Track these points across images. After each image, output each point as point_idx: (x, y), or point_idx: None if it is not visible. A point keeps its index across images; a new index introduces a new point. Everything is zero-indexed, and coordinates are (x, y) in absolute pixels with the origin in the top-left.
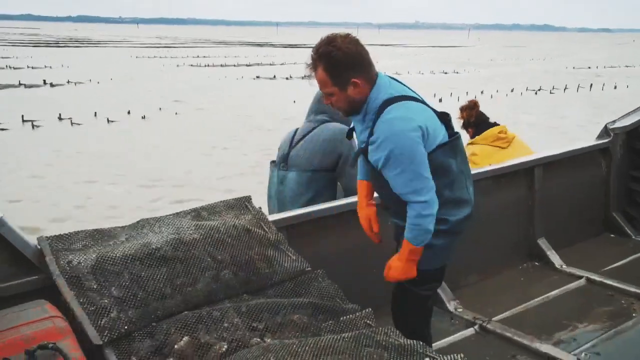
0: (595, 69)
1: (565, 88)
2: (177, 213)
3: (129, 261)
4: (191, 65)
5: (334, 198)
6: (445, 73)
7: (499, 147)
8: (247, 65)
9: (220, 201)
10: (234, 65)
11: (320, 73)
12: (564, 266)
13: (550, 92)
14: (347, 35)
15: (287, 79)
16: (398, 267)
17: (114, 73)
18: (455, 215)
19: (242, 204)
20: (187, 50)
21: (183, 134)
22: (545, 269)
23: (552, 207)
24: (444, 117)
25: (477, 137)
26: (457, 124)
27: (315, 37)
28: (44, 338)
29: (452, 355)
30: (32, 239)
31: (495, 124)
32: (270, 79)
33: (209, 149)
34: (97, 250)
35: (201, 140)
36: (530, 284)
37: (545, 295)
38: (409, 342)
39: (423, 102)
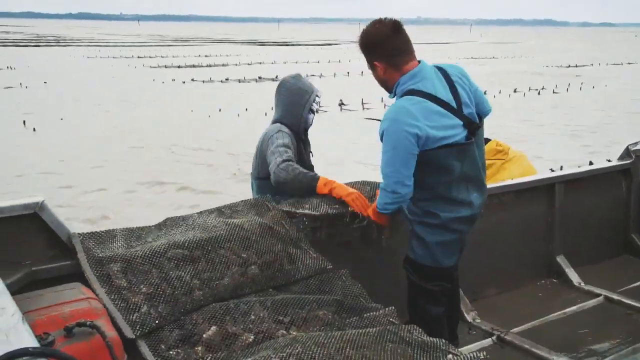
0: (597, 66)
1: (568, 87)
2: (201, 212)
3: (156, 259)
4: (193, 65)
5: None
6: None
7: (500, 159)
8: (248, 65)
9: (242, 200)
10: (235, 65)
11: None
12: (582, 284)
13: (554, 92)
14: (386, 21)
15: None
16: (370, 213)
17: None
18: (446, 212)
19: (263, 203)
20: (188, 48)
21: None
22: (563, 285)
23: (571, 225)
24: (470, 126)
25: None
26: None
27: (317, 33)
28: (81, 317)
29: (474, 353)
30: (69, 225)
31: (487, 140)
32: (273, 79)
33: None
34: (127, 250)
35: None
36: (548, 300)
37: (563, 311)
38: (432, 340)
39: (448, 105)
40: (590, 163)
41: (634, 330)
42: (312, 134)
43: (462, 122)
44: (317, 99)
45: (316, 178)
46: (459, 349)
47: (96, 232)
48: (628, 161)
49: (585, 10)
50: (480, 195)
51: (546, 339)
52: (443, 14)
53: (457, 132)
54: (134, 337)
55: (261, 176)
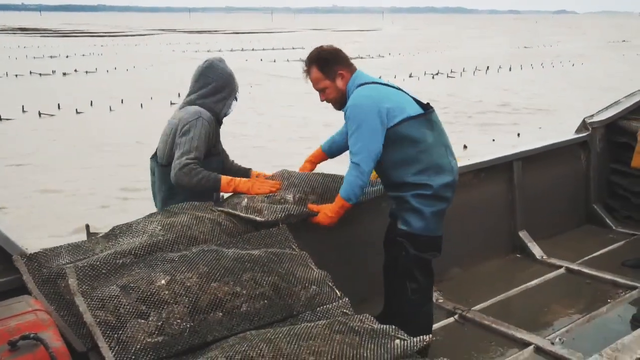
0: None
1: (463, 71)
2: (147, 216)
3: (104, 271)
4: (82, 54)
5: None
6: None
7: None
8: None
9: (187, 203)
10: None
11: (314, 72)
12: (544, 257)
13: (448, 76)
14: (330, 44)
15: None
16: (327, 212)
17: None
18: (436, 181)
19: (207, 207)
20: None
21: None
22: (526, 260)
23: (533, 200)
24: (423, 104)
25: None
26: None
27: (230, 22)
28: (27, 329)
29: (421, 337)
30: (17, 240)
31: None
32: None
33: None
34: (73, 265)
35: None
36: (510, 275)
37: (525, 285)
38: (381, 327)
39: (397, 88)
40: None
41: (592, 298)
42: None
43: (411, 99)
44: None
45: (218, 179)
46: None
47: (40, 251)
48: (585, 134)
49: None
50: (456, 162)
51: (507, 314)
52: (358, 3)
53: (412, 106)
54: (85, 350)
55: (169, 162)
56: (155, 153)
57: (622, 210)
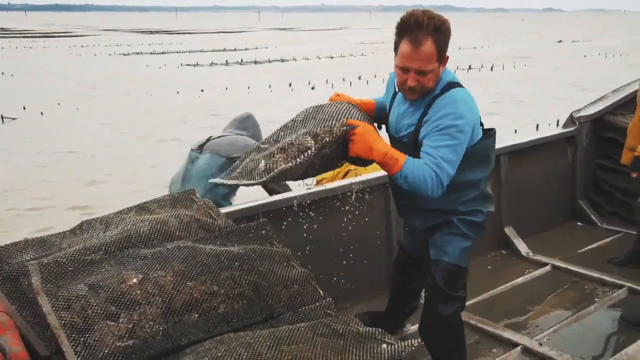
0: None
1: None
2: (120, 210)
3: (71, 269)
4: (60, 54)
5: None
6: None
7: None
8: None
9: (165, 195)
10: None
11: (430, 47)
12: (530, 254)
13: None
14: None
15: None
16: (370, 142)
17: None
18: (487, 208)
19: (188, 196)
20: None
21: None
22: (511, 257)
23: (518, 196)
24: None
25: None
26: None
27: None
28: None
29: (409, 341)
30: None
31: None
32: None
33: None
34: (37, 261)
35: None
36: (496, 273)
37: (511, 283)
38: (367, 330)
39: None
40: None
41: (579, 296)
42: None
43: None
44: None
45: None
46: (406, 328)
47: (2, 246)
48: (572, 128)
49: None
50: None
51: (493, 312)
52: (347, 1)
53: None
54: (48, 354)
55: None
56: (201, 148)
57: (607, 206)
